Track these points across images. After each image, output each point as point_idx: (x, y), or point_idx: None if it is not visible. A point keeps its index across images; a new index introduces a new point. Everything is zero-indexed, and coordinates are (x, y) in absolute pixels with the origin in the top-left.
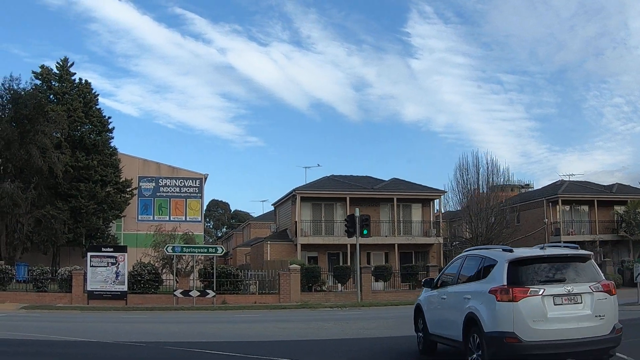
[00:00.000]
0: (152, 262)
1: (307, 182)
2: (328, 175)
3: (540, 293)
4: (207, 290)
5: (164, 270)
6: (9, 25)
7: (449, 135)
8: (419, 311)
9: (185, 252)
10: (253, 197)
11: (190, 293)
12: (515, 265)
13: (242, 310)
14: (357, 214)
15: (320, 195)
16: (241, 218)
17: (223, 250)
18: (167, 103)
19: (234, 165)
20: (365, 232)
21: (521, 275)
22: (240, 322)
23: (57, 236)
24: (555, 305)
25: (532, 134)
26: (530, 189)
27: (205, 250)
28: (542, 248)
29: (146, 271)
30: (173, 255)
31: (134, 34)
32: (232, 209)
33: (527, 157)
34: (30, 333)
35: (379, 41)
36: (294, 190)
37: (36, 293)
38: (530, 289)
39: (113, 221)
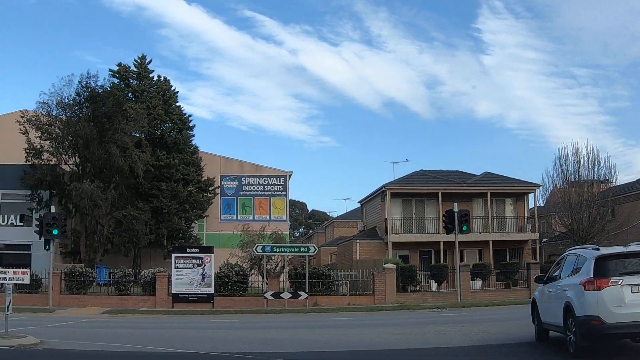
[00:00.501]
0: (239, 262)
1: (396, 178)
2: (417, 170)
3: (619, 283)
4: (299, 292)
5: (252, 271)
6: (82, 33)
7: (522, 131)
8: (534, 305)
9: (275, 252)
10: (329, 197)
11: (281, 295)
12: (600, 260)
13: (337, 312)
14: (456, 209)
15: (411, 191)
16: (319, 218)
17: (316, 249)
18: (240, 105)
19: (309, 165)
20: (464, 228)
21: (605, 268)
22: (344, 327)
23: (139, 237)
24: (632, 292)
25: (606, 129)
26: (610, 184)
27: (297, 249)
28: (625, 246)
29: (234, 272)
30: (262, 255)
31: (204, 37)
32: (309, 208)
33: (602, 152)
34: (118, 343)
35: (449, 38)
36: (384, 186)
37: (118, 296)
38: (611, 280)
39: (195, 221)
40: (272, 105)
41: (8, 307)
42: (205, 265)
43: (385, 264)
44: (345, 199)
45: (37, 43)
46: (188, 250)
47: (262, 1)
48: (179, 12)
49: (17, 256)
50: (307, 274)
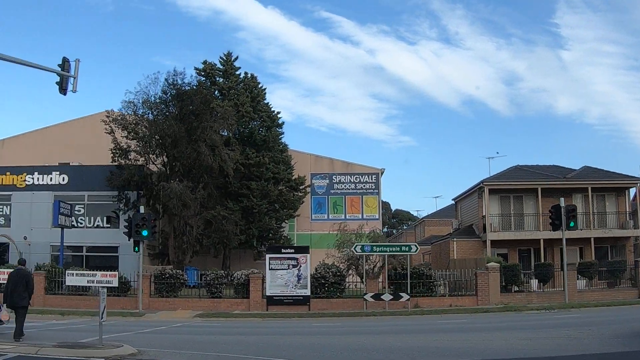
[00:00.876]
0: (335, 263)
1: (493, 174)
2: (513, 165)
3: None
4: (401, 294)
5: (349, 272)
6: (160, 39)
7: (603, 127)
8: None
9: (375, 252)
10: (412, 196)
11: (382, 297)
12: None
13: (439, 314)
14: (563, 204)
15: (509, 186)
16: (402, 217)
17: (417, 248)
18: (318, 106)
19: (389, 165)
20: (572, 224)
21: None
22: (458, 331)
23: (229, 238)
24: None
25: None
26: None
27: (398, 248)
28: None
29: (330, 273)
30: (361, 255)
31: (282, 40)
32: (393, 208)
33: None
34: (224, 353)
35: (527, 33)
36: (482, 182)
37: (210, 299)
38: None
39: (286, 221)
40: (351, 105)
41: (102, 313)
42: (300, 266)
43: (488, 263)
44: (436, 197)
45: (114, 49)
46: (283, 250)
47: (338, 2)
48: (256, 15)
49: (103, 258)
50: (408, 274)
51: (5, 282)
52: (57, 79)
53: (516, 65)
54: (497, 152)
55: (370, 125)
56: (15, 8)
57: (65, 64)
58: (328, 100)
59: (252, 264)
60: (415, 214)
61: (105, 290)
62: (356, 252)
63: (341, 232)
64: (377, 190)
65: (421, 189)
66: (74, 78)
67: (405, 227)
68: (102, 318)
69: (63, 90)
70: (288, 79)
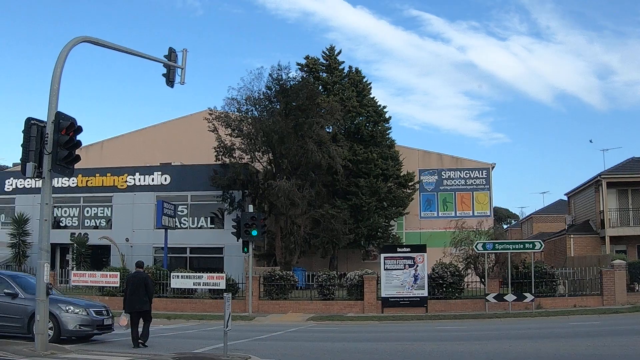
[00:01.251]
0: (453, 262)
1: (609, 167)
2: (629, 157)
3: None
4: (524, 294)
5: (468, 271)
6: (251, 41)
7: None
8: None
9: (497, 250)
10: (510, 193)
11: (505, 297)
12: None
13: (566, 316)
14: None
15: (629, 179)
16: (501, 215)
17: (542, 245)
18: (411, 105)
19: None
20: None
21: None
22: (608, 335)
23: (338, 237)
24: None
25: None
26: None
27: (522, 246)
28: None
29: (448, 273)
30: (482, 253)
31: (372, 39)
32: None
33: None
34: None
35: (619, 25)
36: (599, 175)
37: (322, 301)
38: None
39: (395, 219)
40: (443, 103)
41: (227, 321)
42: (417, 265)
43: (613, 260)
44: (543, 193)
45: (203, 54)
46: (398, 249)
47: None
48: (345, 16)
49: (207, 260)
50: (532, 273)
51: (118, 285)
52: (164, 71)
53: (609, 58)
54: (591, 141)
55: (463, 122)
56: (105, 18)
57: (171, 54)
58: (420, 98)
59: (359, 264)
60: (516, 211)
61: (230, 295)
62: (477, 250)
63: (459, 229)
64: (487, 186)
65: (522, 186)
66: (182, 69)
67: (507, 225)
68: (227, 327)
69: (170, 82)
70: (379, 78)
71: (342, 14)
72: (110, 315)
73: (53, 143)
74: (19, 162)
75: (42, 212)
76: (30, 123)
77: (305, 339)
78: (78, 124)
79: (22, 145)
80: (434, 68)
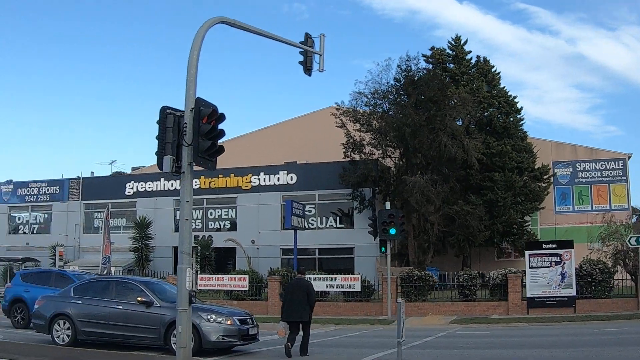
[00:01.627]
0: (601, 258)
1: None
2: None
3: None
4: None
5: (616, 268)
6: (358, 42)
7: None
8: None
9: None
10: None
11: None
12: None
13: None
14: None
15: None
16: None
17: None
18: (522, 100)
19: None
20: None
21: None
22: None
23: (474, 235)
24: None
25: None
26: None
27: None
28: None
29: (597, 270)
30: (632, 249)
31: (480, 35)
32: None
33: None
34: None
35: None
36: None
37: (463, 302)
38: None
39: (530, 215)
40: (553, 97)
41: (401, 330)
42: (564, 263)
43: None
44: None
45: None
46: (544, 246)
47: None
48: (452, 12)
49: (337, 261)
50: None
51: (247, 288)
52: (300, 59)
53: None
54: None
55: (574, 116)
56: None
57: (308, 40)
58: (531, 93)
59: (493, 263)
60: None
61: (403, 301)
62: (630, 244)
63: (607, 222)
64: (625, 178)
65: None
66: (320, 55)
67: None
68: (401, 337)
69: (307, 70)
70: None
71: (449, 10)
72: (255, 323)
73: (193, 133)
74: (138, 166)
75: (182, 210)
76: (165, 112)
77: (459, 346)
78: (220, 111)
79: (157, 138)
80: (544, 62)
